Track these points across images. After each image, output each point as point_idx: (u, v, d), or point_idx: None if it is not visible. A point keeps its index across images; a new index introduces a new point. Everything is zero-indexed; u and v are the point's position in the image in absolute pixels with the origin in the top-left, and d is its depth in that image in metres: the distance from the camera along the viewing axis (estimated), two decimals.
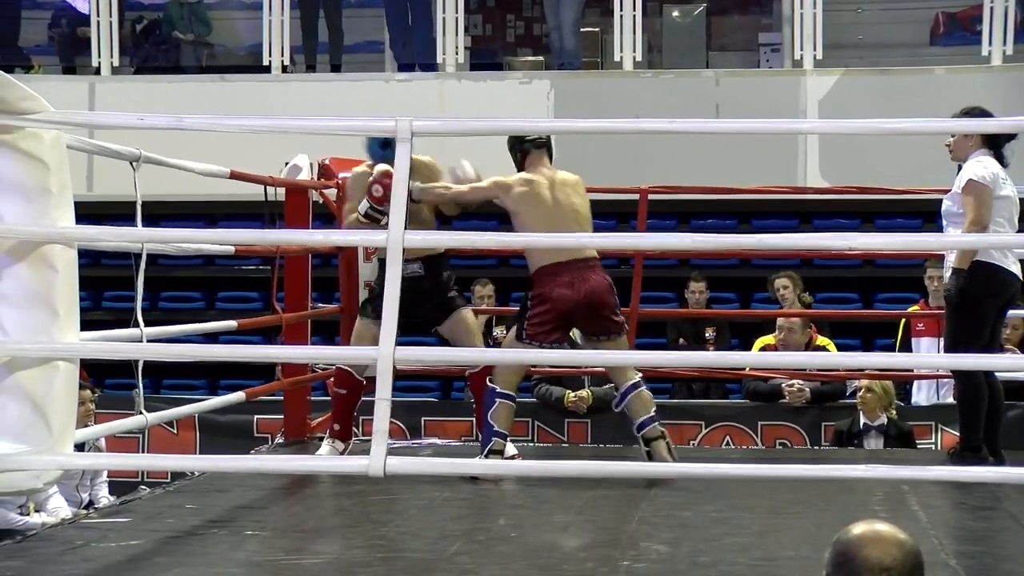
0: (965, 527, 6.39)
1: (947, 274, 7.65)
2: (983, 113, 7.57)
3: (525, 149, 7.52)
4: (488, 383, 7.44)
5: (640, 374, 7.53)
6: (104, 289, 13.11)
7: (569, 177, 7.53)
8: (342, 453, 7.74)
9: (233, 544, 5.89)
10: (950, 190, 7.63)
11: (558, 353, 7.36)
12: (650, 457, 7.27)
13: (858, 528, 3.01)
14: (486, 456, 7.30)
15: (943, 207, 7.70)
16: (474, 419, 8.00)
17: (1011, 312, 8.02)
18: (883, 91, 12.46)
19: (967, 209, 7.46)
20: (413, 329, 7.92)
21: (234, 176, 7.55)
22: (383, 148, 7.41)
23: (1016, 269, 7.60)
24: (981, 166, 7.50)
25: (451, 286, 7.77)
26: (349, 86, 13.41)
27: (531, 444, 9.25)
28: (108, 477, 9.05)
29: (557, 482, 7.05)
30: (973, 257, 7.44)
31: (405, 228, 5.06)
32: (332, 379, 8.16)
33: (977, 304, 7.52)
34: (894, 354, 9.66)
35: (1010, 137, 7.63)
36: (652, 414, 7.45)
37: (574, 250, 7.30)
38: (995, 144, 7.63)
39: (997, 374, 7.75)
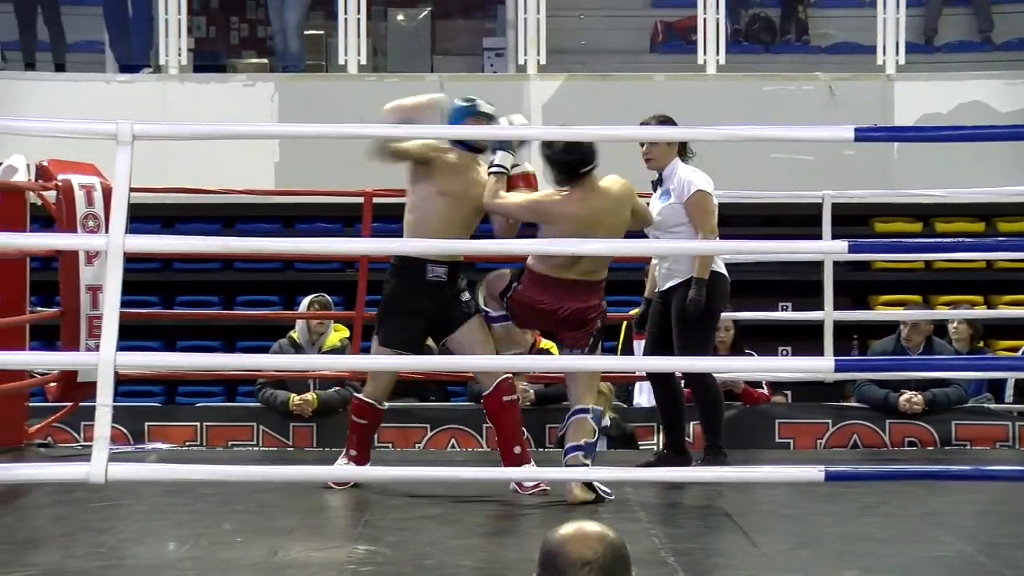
0: (682, 525, 6.55)
1: (664, 283, 7.70)
2: (672, 122, 7.73)
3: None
4: None
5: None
6: None
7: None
8: None
9: None
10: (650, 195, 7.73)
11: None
12: None
13: (564, 528, 3.11)
14: None
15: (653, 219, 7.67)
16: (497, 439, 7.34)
17: (723, 315, 8.21)
18: (604, 96, 12.72)
19: (701, 219, 7.54)
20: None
21: None
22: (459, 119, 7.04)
23: (725, 272, 7.78)
24: (702, 177, 7.62)
25: (464, 292, 7.28)
26: (70, 86, 13.15)
27: (256, 448, 9.19)
28: None
29: (282, 487, 7.03)
30: (711, 267, 7.57)
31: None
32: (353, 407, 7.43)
33: (715, 312, 7.68)
34: (622, 357, 9.80)
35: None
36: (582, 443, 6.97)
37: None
38: (683, 153, 7.79)
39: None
